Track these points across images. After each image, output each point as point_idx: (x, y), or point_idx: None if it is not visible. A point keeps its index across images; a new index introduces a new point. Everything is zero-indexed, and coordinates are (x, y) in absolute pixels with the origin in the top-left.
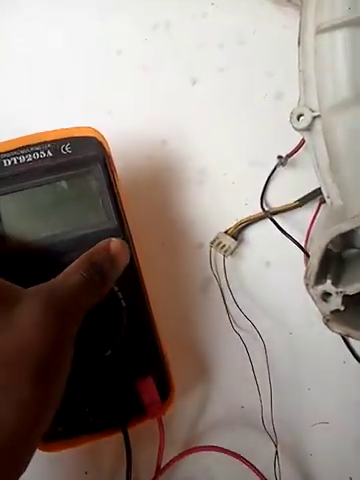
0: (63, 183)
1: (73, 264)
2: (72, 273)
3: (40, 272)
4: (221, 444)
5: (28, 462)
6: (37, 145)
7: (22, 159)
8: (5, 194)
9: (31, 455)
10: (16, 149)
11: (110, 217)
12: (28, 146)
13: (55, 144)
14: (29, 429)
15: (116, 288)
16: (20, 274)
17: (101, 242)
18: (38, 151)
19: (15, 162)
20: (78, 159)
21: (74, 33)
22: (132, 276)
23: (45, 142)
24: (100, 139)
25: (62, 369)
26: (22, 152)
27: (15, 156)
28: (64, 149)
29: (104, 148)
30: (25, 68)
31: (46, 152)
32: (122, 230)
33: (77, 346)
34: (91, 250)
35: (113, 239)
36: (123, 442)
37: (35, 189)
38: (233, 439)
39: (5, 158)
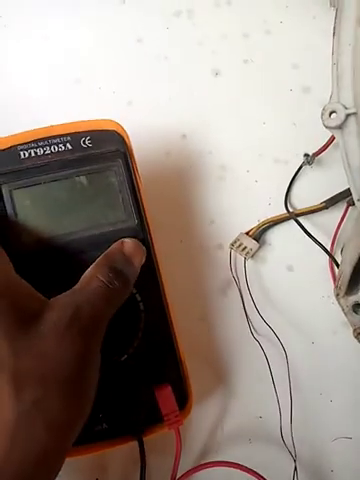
0: (82, 178)
1: (91, 269)
2: (92, 280)
3: (56, 271)
4: (237, 456)
5: (58, 472)
6: (56, 137)
7: (40, 151)
8: (21, 188)
9: (61, 466)
10: (34, 141)
11: (130, 215)
12: (46, 138)
13: (75, 137)
14: (59, 444)
15: (134, 290)
16: (36, 273)
17: (114, 244)
18: (57, 144)
19: (32, 154)
20: (98, 153)
21: (94, 21)
22: (150, 277)
23: (64, 134)
24: (121, 133)
25: (90, 383)
26: (40, 144)
27: (33, 148)
28: (84, 142)
29: (125, 142)
30: (44, 58)
31: (65, 145)
32: (142, 229)
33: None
34: (106, 253)
35: (126, 240)
36: (136, 449)
37: (52, 184)
38: (250, 451)
39: (22, 150)
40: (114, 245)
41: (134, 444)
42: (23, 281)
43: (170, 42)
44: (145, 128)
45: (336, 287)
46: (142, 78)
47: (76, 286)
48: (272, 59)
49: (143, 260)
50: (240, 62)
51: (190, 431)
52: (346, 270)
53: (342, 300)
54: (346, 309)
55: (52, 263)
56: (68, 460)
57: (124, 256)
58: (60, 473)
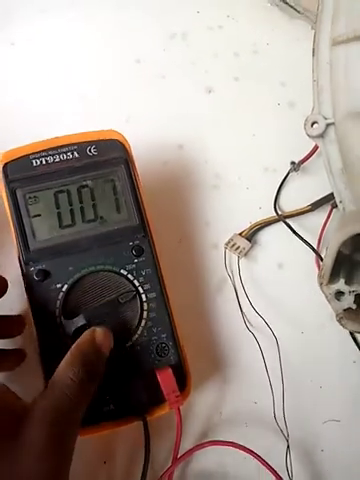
0: (89, 182)
1: (65, 365)
2: (66, 381)
3: (65, 266)
4: (235, 438)
5: None
6: (64, 147)
7: (50, 159)
8: (34, 192)
9: None
10: (45, 150)
11: (132, 215)
12: (56, 147)
13: (81, 146)
14: None
15: (137, 282)
16: (47, 270)
17: (86, 333)
18: (65, 152)
19: (44, 162)
20: (103, 160)
21: (96, 42)
22: (152, 271)
23: (72, 144)
24: (123, 142)
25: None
26: (50, 153)
27: (44, 157)
28: (90, 150)
29: (127, 150)
30: (46, 74)
31: (73, 153)
32: (143, 227)
33: None
34: (79, 344)
35: (97, 329)
36: (140, 433)
37: (61, 188)
38: (246, 434)
39: (34, 158)
40: (86, 335)
41: (139, 426)
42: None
43: (166, 62)
44: (145, 141)
45: (319, 276)
46: (142, 95)
47: (51, 382)
48: (261, 77)
49: (111, 345)
50: (231, 80)
51: (191, 415)
52: (328, 261)
53: (325, 288)
54: (329, 296)
55: (62, 258)
56: (77, 443)
57: (95, 347)
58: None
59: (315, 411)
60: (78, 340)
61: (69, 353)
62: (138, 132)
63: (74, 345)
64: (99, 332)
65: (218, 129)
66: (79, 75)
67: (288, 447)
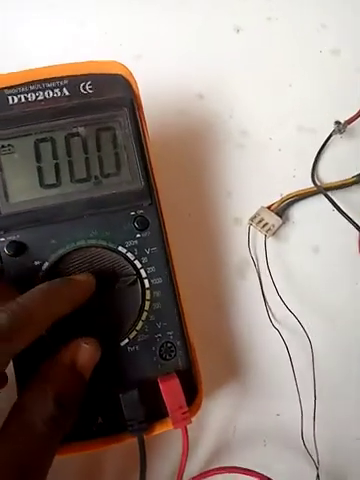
0: (80, 130)
1: (31, 397)
2: (34, 425)
3: (46, 239)
4: (250, 459)
5: None
6: (51, 81)
7: (31, 97)
8: (9, 138)
9: None
10: (25, 84)
11: (136, 176)
12: (40, 81)
13: (73, 81)
14: None
15: (139, 264)
16: (22, 243)
17: (65, 354)
18: (52, 88)
19: (23, 100)
20: (100, 101)
21: None
22: (159, 250)
23: (61, 78)
24: (128, 77)
25: None
26: (32, 88)
27: (23, 93)
28: (84, 88)
29: (133, 89)
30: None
31: (61, 90)
32: (149, 193)
33: (87, 332)
34: (53, 371)
35: (83, 344)
36: (135, 452)
37: (45, 135)
38: (265, 455)
39: (10, 94)
40: (65, 356)
41: (134, 444)
42: None
43: None
44: (158, 85)
45: None
46: (156, 29)
47: (12, 419)
48: (298, 18)
49: (97, 360)
50: (264, 19)
51: (198, 429)
52: None
53: None
54: None
55: (43, 230)
56: (59, 460)
57: (74, 374)
58: (50, 475)
59: (352, 430)
60: (54, 361)
61: (39, 379)
62: (150, 72)
63: (46, 367)
64: (84, 351)
65: (246, 76)
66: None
67: (318, 476)
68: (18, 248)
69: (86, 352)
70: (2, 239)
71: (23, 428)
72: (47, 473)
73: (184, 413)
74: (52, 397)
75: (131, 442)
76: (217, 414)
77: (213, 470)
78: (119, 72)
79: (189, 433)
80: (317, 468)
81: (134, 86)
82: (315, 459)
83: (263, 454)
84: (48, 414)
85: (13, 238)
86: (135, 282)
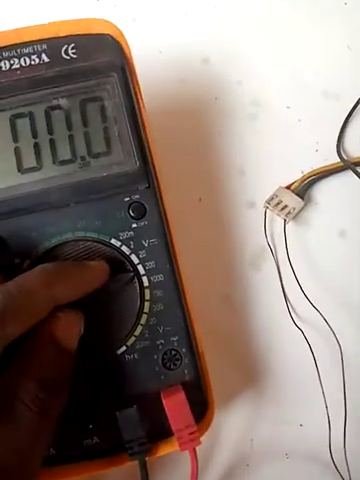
0: (62, 102)
1: (10, 382)
2: (19, 415)
3: (27, 232)
4: (272, 476)
5: None
6: (27, 45)
7: (5, 65)
8: None
9: None
10: None
11: (130, 155)
12: (14, 46)
13: (53, 44)
14: None
15: (136, 259)
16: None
17: (42, 329)
18: (28, 54)
19: None
20: (86, 67)
21: None
22: (160, 242)
23: (39, 41)
24: (118, 38)
25: None
26: (5, 55)
27: None
28: (66, 52)
29: (124, 53)
30: None
31: (40, 56)
32: (146, 174)
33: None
34: (30, 349)
35: (59, 313)
36: (136, 475)
37: (21, 109)
38: (286, 469)
39: None
40: (41, 331)
41: (134, 467)
42: None
43: None
44: (156, 49)
45: None
46: None
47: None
48: None
49: (81, 330)
50: None
51: (210, 443)
52: None
53: None
54: None
55: (21, 220)
56: None
57: (56, 349)
58: None
59: None
60: (29, 339)
61: (17, 361)
62: (146, 35)
63: (23, 348)
64: (62, 321)
65: (259, 36)
66: None
67: None
68: None
69: (65, 321)
70: None
71: (5, 416)
72: (38, 468)
73: (192, 433)
74: (33, 378)
75: (132, 464)
76: (231, 425)
77: None
78: (107, 32)
79: (199, 448)
80: None
81: (125, 48)
82: (346, 476)
83: (285, 470)
84: (31, 397)
85: None
86: (132, 280)
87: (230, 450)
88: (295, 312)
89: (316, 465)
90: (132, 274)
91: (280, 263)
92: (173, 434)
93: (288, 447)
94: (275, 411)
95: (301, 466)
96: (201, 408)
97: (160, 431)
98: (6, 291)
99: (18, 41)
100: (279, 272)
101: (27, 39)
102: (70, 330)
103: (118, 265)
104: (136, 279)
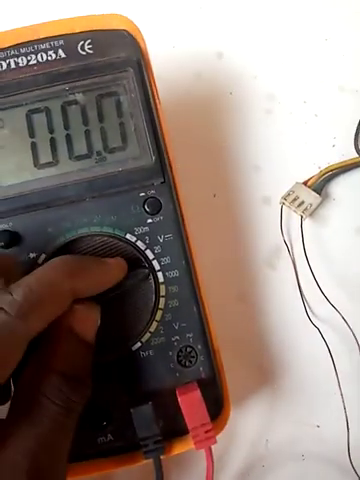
0: (79, 97)
1: (31, 377)
2: (43, 408)
3: (42, 227)
4: (286, 477)
5: None
6: (44, 41)
7: (22, 61)
8: None
9: None
10: (14, 46)
11: (145, 150)
12: (31, 43)
13: (70, 40)
14: None
15: (151, 254)
16: (15, 232)
17: (61, 323)
18: (45, 50)
19: (12, 65)
20: (102, 62)
21: None
22: (175, 238)
23: (56, 37)
24: (134, 33)
25: None
26: (22, 52)
27: (12, 57)
28: (82, 48)
29: (140, 47)
30: None
31: (56, 52)
32: (162, 170)
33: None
34: (51, 344)
35: (76, 306)
36: (151, 473)
37: (38, 105)
38: (303, 472)
39: None
40: (60, 326)
41: (149, 465)
42: None
43: None
44: (170, 44)
45: None
46: None
47: (16, 406)
48: None
49: (98, 321)
50: None
51: (226, 443)
52: None
53: None
54: None
55: (36, 216)
56: None
57: (76, 341)
58: None
59: None
60: (49, 332)
61: (38, 355)
62: (160, 29)
63: (44, 342)
64: (78, 313)
65: (274, 30)
66: None
67: None
68: (10, 238)
69: (82, 313)
70: None
71: (27, 414)
72: (66, 463)
73: (207, 432)
74: (55, 371)
75: (146, 463)
76: (247, 425)
77: None
78: (123, 27)
79: (214, 448)
80: None
81: (141, 43)
82: None
83: (301, 472)
84: (55, 391)
85: (4, 227)
86: (147, 276)
87: (245, 451)
88: (312, 311)
89: (333, 467)
90: (147, 270)
91: (296, 260)
92: (188, 432)
93: (305, 448)
94: (291, 411)
95: (318, 468)
96: (216, 406)
97: (175, 429)
98: (26, 284)
99: (35, 38)
100: (295, 270)
101: (44, 35)
102: (88, 322)
103: (133, 261)
104: (151, 275)
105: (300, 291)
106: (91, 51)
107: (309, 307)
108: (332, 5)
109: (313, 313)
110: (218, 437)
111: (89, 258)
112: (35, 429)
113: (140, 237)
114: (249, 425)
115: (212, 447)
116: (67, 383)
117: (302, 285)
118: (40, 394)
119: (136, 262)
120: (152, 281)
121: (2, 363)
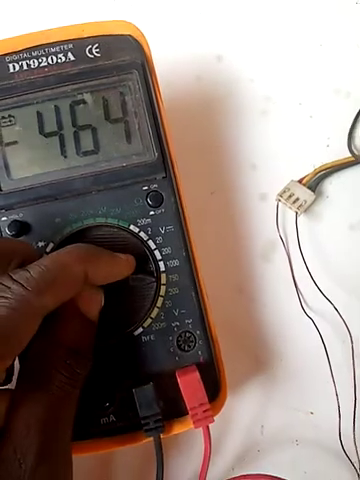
0: (87, 97)
1: (39, 350)
2: (52, 378)
3: (51, 218)
4: (280, 462)
5: None
6: (54, 45)
7: (34, 63)
8: (10, 108)
9: None
10: (26, 49)
11: (148, 147)
12: (42, 46)
13: (78, 44)
14: None
15: (153, 244)
16: (25, 222)
17: (68, 303)
18: (56, 53)
19: (25, 67)
20: (108, 65)
21: None
22: (176, 229)
23: (65, 41)
24: (139, 38)
25: None
26: (34, 54)
27: (25, 59)
28: (90, 51)
29: (144, 51)
30: None
31: (66, 55)
32: (164, 165)
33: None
34: (59, 324)
35: (81, 293)
36: (151, 453)
37: (49, 104)
38: (297, 456)
39: (11, 62)
40: (67, 306)
41: (149, 446)
42: None
43: None
44: (169, 45)
45: None
46: None
47: (24, 376)
48: None
49: (102, 303)
50: None
51: (222, 429)
52: None
53: None
54: None
55: (47, 208)
56: None
57: (80, 319)
58: None
59: None
60: (56, 312)
61: (45, 330)
62: (162, 33)
63: (49, 320)
64: (84, 294)
65: (271, 34)
66: None
67: None
68: (20, 228)
69: (87, 293)
70: (3, 218)
71: (37, 383)
72: (71, 432)
73: (206, 411)
74: (63, 345)
75: (147, 444)
76: (243, 411)
77: (237, 478)
78: (129, 33)
79: (212, 432)
80: (358, 474)
81: (145, 47)
82: (356, 463)
83: (295, 456)
84: (62, 363)
85: (15, 217)
86: (149, 265)
87: (241, 436)
88: (306, 303)
89: (326, 452)
90: (149, 259)
91: (291, 255)
92: (187, 413)
93: (298, 434)
94: (286, 398)
95: (311, 453)
96: (214, 388)
97: (175, 410)
98: (42, 264)
99: (46, 42)
100: (290, 263)
101: (54, 40)
102: (92, 302)
103: (136, 250)
104: (153, 264)
105: (295, 283)
106: (98, 54)
107: (303, 299)
108: (326, 13)
109: (307, 304)
110: (216, 420)
111: (102, 249)
112: (44, 397)
113: (143, 228)
114: (245, 411)
115: (210, 430)
116: (72, 356)
117: (297, 278)
118: (48, 365)
119: (138, 251)
120: (154, 270)
121: (20, 333)
